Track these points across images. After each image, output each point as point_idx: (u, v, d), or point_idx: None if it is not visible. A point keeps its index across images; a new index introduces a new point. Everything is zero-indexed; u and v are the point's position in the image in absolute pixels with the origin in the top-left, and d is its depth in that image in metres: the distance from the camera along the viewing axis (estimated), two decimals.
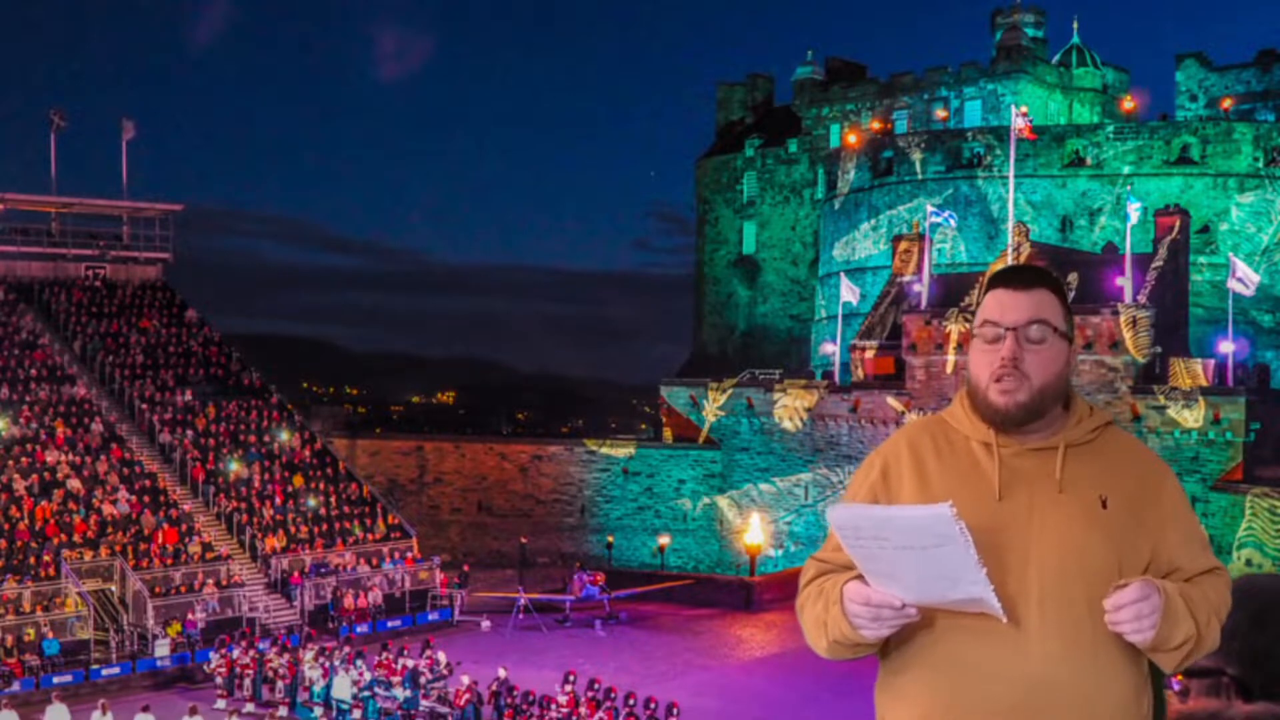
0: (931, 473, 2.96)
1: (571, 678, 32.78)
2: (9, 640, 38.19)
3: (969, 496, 2.88)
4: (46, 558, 42.06)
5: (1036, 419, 2.92)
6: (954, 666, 2.82)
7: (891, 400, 53.39)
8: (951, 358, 51.32)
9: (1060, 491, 2.88)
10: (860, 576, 2.82)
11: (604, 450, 61.51)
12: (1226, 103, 71.43)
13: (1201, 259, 60.28)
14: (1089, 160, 63.87)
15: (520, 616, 45.73)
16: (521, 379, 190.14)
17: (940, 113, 74.79)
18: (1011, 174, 58.60)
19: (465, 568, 52.08)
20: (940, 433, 3.03)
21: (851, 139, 73.44)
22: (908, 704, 2.90)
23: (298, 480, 51.15)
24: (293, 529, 47.91)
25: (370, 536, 49.36)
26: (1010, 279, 2.95)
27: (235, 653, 37.25)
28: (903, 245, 60.38)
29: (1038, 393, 2.88)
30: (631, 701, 30.77)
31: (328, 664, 35.44)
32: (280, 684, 36.18)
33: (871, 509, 2.79)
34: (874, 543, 2.68)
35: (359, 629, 44.02)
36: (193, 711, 31.39)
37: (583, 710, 30.94)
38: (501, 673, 33.67)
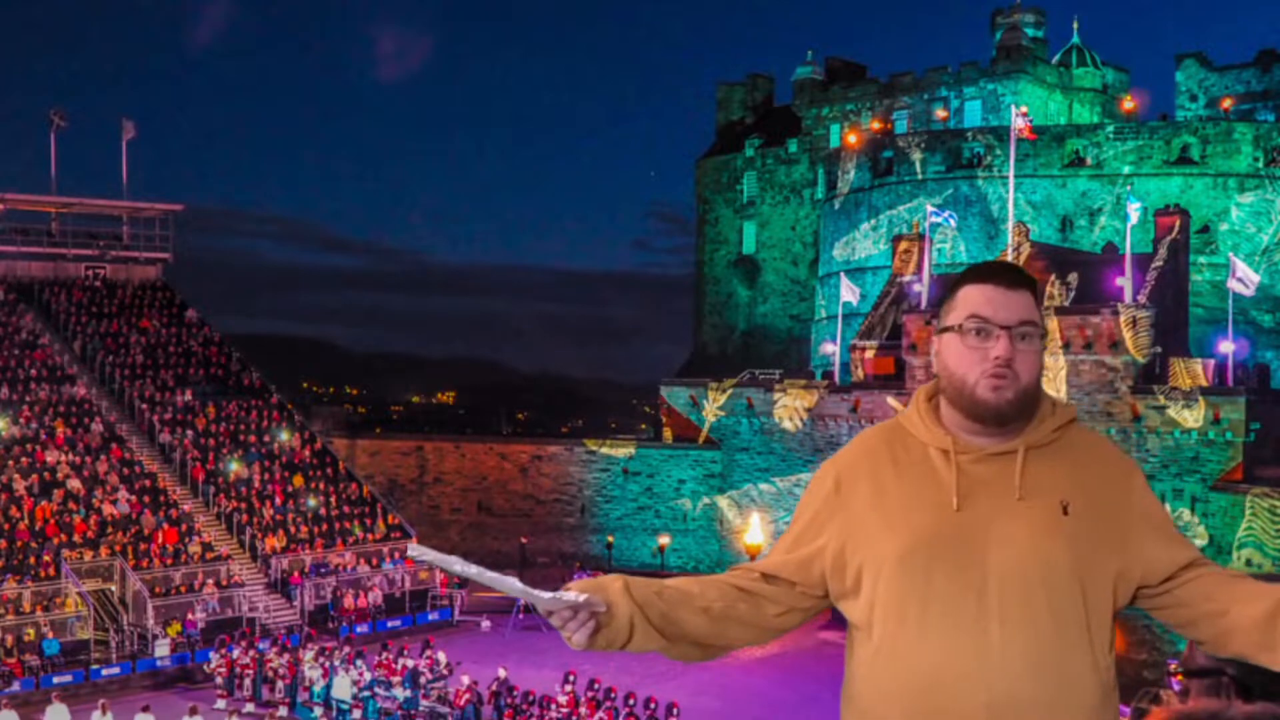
0: (887, 483, 2.88)
1: (571, 678, 32.79)
2: (9, 640, 38.20)
3: (926, 506, 2.82)
4: (46, 558, 42.07)
5: (1020, 418, 2.85)
6: (916, 683, 2.75)
7: (891, 400, 53.38)
8: None
9: (1020, 499, 2.80)
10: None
11: (604, 450, 61.51)
12: (1226, 103, 71.44)
13: (1201, 259, 60.28)
14: (1089, 160, 63.88)
15: (520, 616, 45.74)
16: (521, 379, 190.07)
17: (940, 113, 74.80)
18: (1011, 174, 58.60)
19: None
20: (897, 440, 2.94)
21: (851, 139, 73.45)
22: None
23: (298, 480, 51.16)
24: (293, 529, 47.92)
25: (370, 536, 49.37)
26: (999, 276, 2.87)
27: (235, 653, 37.26)
28: (903, 245, 60.40)
29: (1024, 391, 2.83)
30: (631, 701, 30.79)
31: (328, 664, 35.45)
32: (280, 684, 36.20)
33: (449, 560, 2.69)
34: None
35: (359, 629, 44.03)
36: (193, 711, 31.40)
37: (583, 710, 30.95)
38: (501, 673, 33.68)
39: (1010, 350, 2.81)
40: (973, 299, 2.87)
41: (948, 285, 3.01)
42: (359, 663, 35.39)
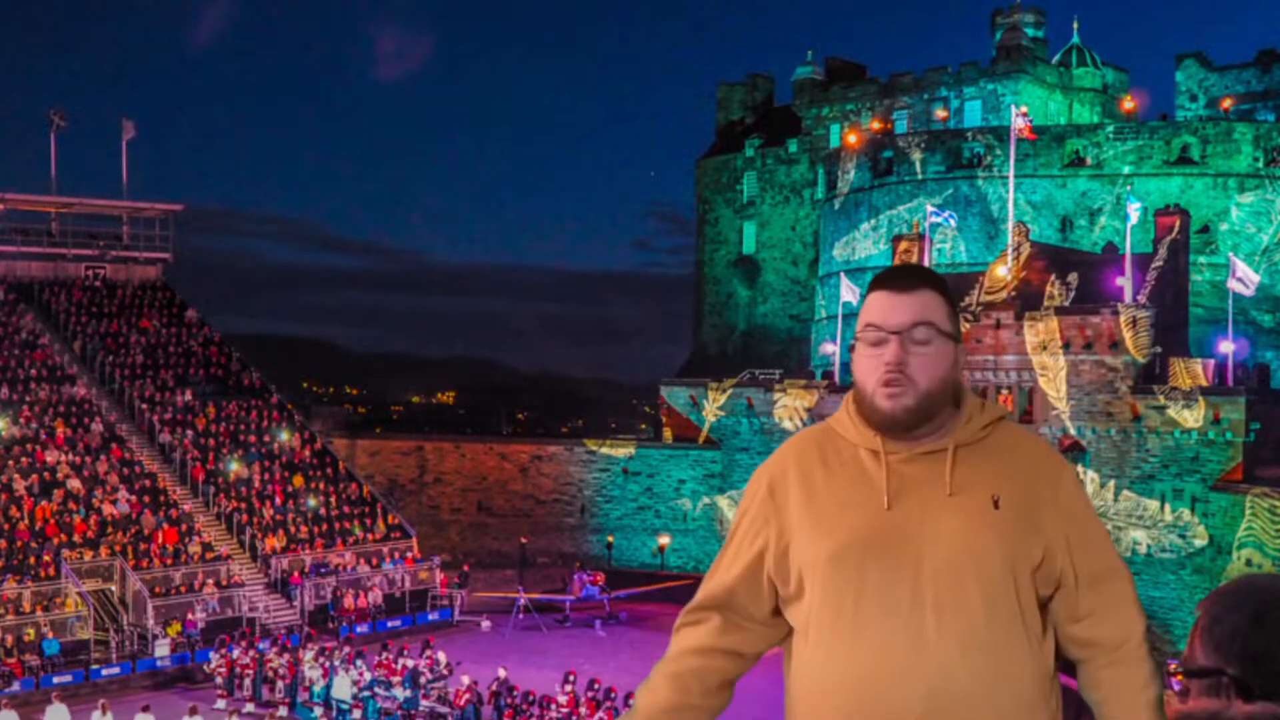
0: (819, 485, 2.88)
1: (571, 678, 32.80)
2: (9, 640, 38.20)
3: (857, 506, 2.82)
4: (46, 558, 42.07)
5: (925, 423, 2.83)
6: (854, 677, 2.75)
7: None
8: None
9: (951, 495, 2.81)
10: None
11: (604, 450, 61.52)
12: (1226, 103, 71.43)
13: (1201, 259, 60.27)
14: (1089, 160, 63.88)
15: (520, 616, 45.76)
16: (521, 379, 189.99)
17: (940, 113, 74.80)
18: (1011, 174, 58.61)
19: (465, 568, 52.08)
20: (828, 442, 2.94)
21: (851, 139, 73.44)
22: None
23: (298, 480, 51.16)
24: (293, 529, 47.92)
25: (370, 536, 49.37)
26: (892, 281, 2.87)
27: (235, 653, 37.27)
28: (903, 245, 60.39)
29: (924, 396, 2.80)
30: (631, 701, 30.77)
31: (328, 664, 35.46)
32: (280, 684, 36.21)
33: None
34: None
35: (359, 629, 44.04)
36: (193, 711, 31.40)
37: (583, 710, 30.96)
38: (501, 673, 33.69)
39: (900, 355, 2.80)
40: (869, 307, 2.89)
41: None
42: (359, 663, 35.40)
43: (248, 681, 36.80)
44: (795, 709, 2.90)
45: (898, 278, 2.89)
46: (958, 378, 2.89)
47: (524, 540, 57.39)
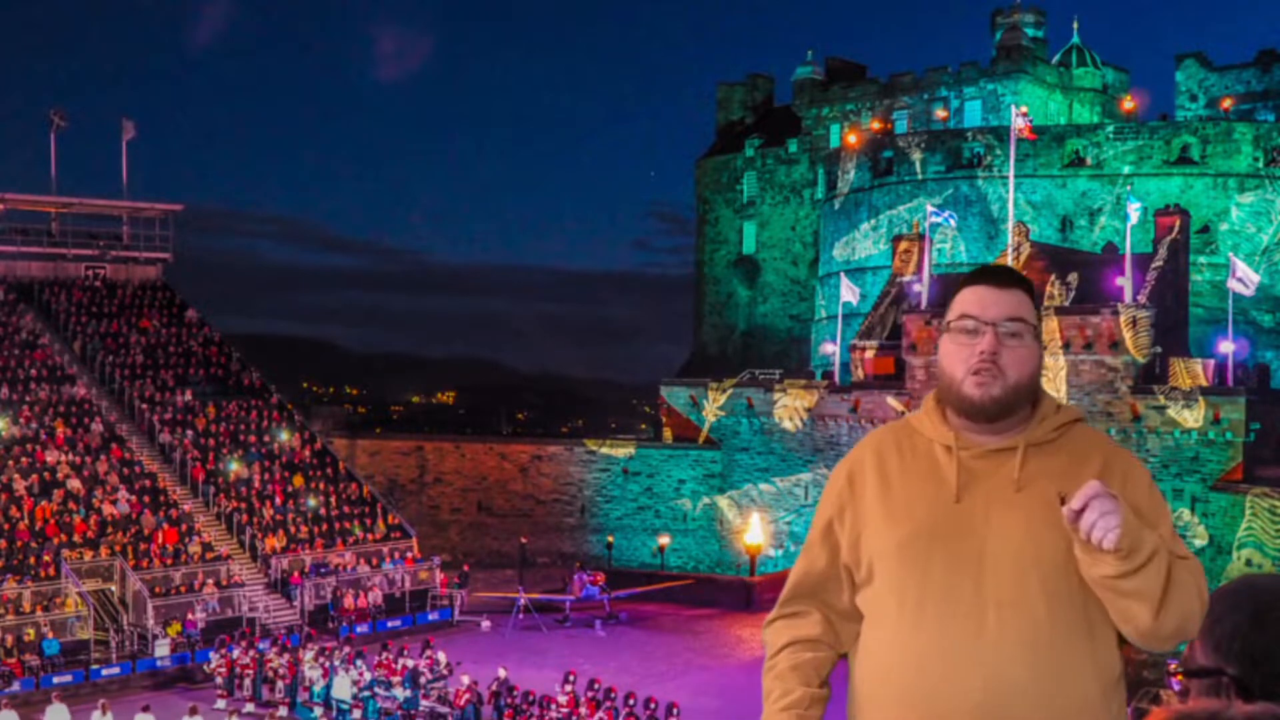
0: (893, 476, 2.99)
1: (571, 678, 32.78)
2: (9, 640, 38.19)
3: (927, 499, 2.92)
4: (46, 558, 42.06)
5: (1008, 415, 2.92)
6: (913, 665, 2.82)
7: (891, 400, 53.39)
8: None
9: (1018, 491, 2.88)
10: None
11: (604, 450, 61.52)
12: (1226, 103, 71.43)
13: (1201, 259, 60.27)
14: (1089, 160, 63.88)
15: (520, 616, 45.74)
16: (521, 379, 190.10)
17: (940, 113, 74.80)
18: (1011, 174, 58.60)
19: (465, 568, 52.07)
20: (905, 437, 3.05)
21: (851, 139, 73.45)
22: (877, 715, 2.90)
23: (298, 480, 51.15)
24: (293, 529, 47.91)
25: (370, 536, 49.36)
26: (989, 277, 2.99)
27: (235, 653, 37.25)
28: (903, 245, 60.39)
29: (1011, 388, 2.90)
30: (631, 701, 30.78)
31: (328, 664, 35.45)
32: (280, 684, 36.19)
33: None
34: None
35: (359, 629, 44.02)
36: (193, 711, 31.40)
37: (583, 710, 30.94)
38: (501, 673, 33.67)
39: (994, 345, 2.89)
40: (963, 299, 2.97)
41: (949, 288, 3.07)
42: (359, 663, 35.38)
43: (248, 681, 36.78)
44: (858, 690, 2.98)
45: (995, 274, 3.00)
46: (1039, 377, 2.99)
47: (524, 540, 57.37)
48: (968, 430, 2.96)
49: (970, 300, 2.95)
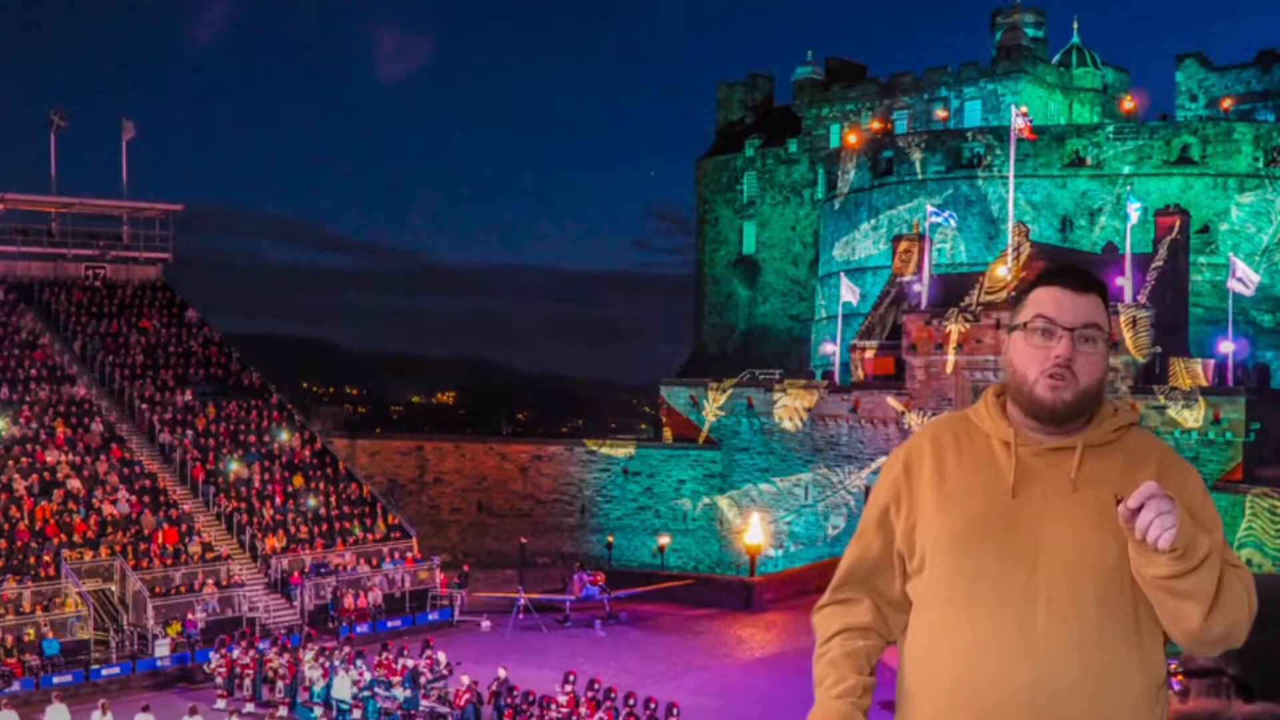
0: (950, 467, 3.01)
1: (571, 678, 32.77)
2: (9, 640, 38.19)
3: (982, 493, 2.94)
4: (46, 558, 42.05)
5: (1077, 418, 2.95)
6: (962, 659, 2.85)
7: (891, 400, 53.40)
8: (951, 358, 51.34)
9: (1074, 490, 2.90)
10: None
11: (604, 450, 61.51)
12: (1226, 103, 71.45)
13: (1201, 259, 60.29)
14: (1089, 160, 63.88)
15: (520, 616, 45.73)
16: (521, 379, 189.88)
17: (940, 113, 74.81)
18: (1011, 174, 58.62)
19: (465, 568, 52.06)
20: (963, 429, 3.07)
21: (851, 139, 73.46)
22: (926, 706, 2.92)
23: (298, 480, 51.15)
24: (293, 529, 47.90)
25: (370, 536, 49.35)
26: (1067, 279, 2.97)
27: (235, 653, 37.24)
28: (903, 245, 60.39)
29: (1083, 393, 2.92)
30: (631, 701, 30.77)
31: (328, 664, 35.44)
32: (280, 684, 36.18)
33: None
34: None
35: (359, 629, 44.01)
36: (193, 711, 31.40)
37: (583, 710, 30.93)
38: (501, 673, 33.66)
39: (1071, 351, 2.90)
40: (1041, 300, 2.96)
41: (1020, 287, 3.08)
42: (359, 663, 35.37)
43: (248, 681, 36.77)
44: (907, 680, 3.00)
45: (1073, 277, 2.99)
46: (1106, 382, 3.01)
47: (524, 540, 57.39)
48: (1026, 428, 2.99)
49: (1047, 301, 2.94)
